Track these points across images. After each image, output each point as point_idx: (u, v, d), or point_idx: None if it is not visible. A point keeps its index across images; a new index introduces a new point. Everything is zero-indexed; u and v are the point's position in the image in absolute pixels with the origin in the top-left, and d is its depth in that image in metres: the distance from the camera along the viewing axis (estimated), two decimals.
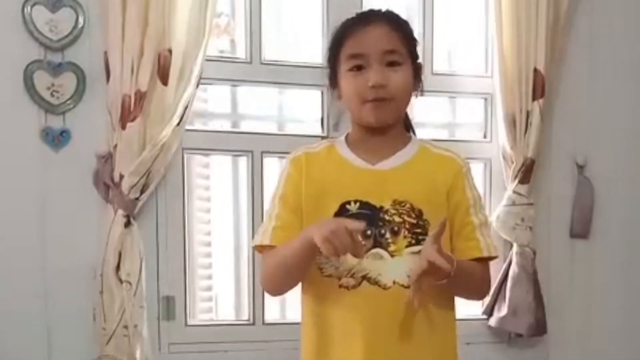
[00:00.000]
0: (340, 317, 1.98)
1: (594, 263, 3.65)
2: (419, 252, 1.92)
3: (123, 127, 2.95)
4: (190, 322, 3.29)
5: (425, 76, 3.34)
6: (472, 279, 2.03)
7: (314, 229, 1.84)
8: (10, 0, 2.95)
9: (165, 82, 2.98)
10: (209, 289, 3.74)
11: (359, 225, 1.84)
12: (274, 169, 3.42)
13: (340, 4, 3.32)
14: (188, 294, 3.26)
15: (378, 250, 1.97)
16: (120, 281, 2.99)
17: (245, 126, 3.43)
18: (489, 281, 2.11)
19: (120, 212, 2.98)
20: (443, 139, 3.58)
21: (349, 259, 1.94)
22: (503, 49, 3.38)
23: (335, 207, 1.98)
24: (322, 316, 2.02)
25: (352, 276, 1.97)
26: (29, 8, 2.95)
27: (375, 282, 1.96)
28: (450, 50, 3.60)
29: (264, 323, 3.34)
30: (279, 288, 2.09)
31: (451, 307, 2.09)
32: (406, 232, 1.97)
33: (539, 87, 3.39)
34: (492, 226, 3.44)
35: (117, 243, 2.98)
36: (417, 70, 2.09)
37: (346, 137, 2.12)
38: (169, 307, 3.21)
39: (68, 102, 3.01)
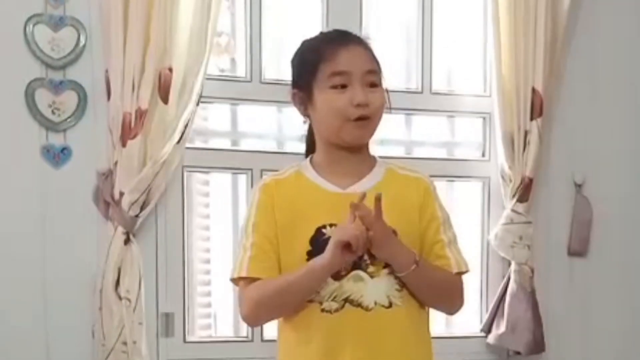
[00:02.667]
0: (323, 341, 1.96)
1: (592, 281, 3.65)
2: (391, 273, 1.96)
3: (123, 145, 2.97)
4: (189, 338, 3.30)
5: (424, 95, 3.48)
6: (443, 282, 2.04)
7: (331, 241, 1.88)
8: (12, 18, 2.99)
9: (165, 100, 3.01)
10: (208, 305, 3.74)
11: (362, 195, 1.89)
12: None
13: (339, 24, 3.33)
14: (187, 311, 3.27)
15: (358, 272, 1.96)
16: (120, 298, 3.00)
17: (245, 144, 3.45)
18: (462, 294, 2.10)
19: (120, 229, 3.00)
20: (442, 157, 3.60)
21: (330, 282, 1.95)
22: (501, 69, 3.40)
23: (310, 232, 1.97)
24: (304, 342, 2.00)
25: (333, 299, 1.96)
26: (31, 27, 2.98)
27: (358, 304, 1.96)
28: (449, 69, 3.62)
29: (262, 340, 3.34)
30: (265, 318, 2.10)
31: (426, 321, 2.10)
32: None
33: (537, 107, 3.41)
34: (491, 244, 3.47)
35: (117, 260, 2.99)
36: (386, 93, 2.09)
37: (311, 160, 2.11)
38: (168, 324, 3.21)
39: (69, 119, 3.04)
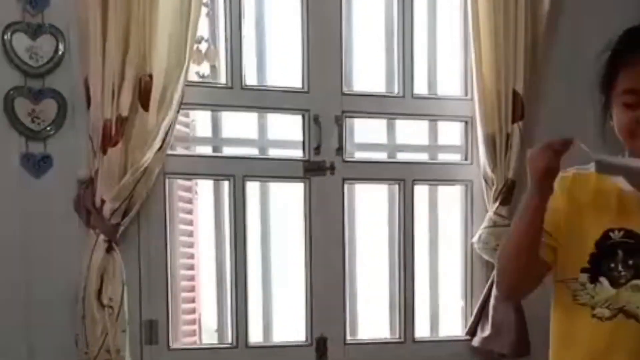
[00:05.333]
0: (589, 349, 1.88)
1: None
2: None
3: (104, 152, 2.96)
4: (174, 345, 3.29)
5: (406, 99, 3.48)
6: None
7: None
8: None
9: (146, 107, 3.00)
10: (192, 312, 3.74)
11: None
12: (255, 193, 3.44)
13: (319, 30, 3.35)
14: (171, 318, 3.26)
15: (638, 281, 1.84)
16: (103, 306, 2.99)
17: (227, 151, 3.44)
18: None
19: (102, 237, 2.99)
20: (424, 161, 3.60)
21: (606, 289, 1.86)
22: (482, 72, 3.41)
23: (597, 234, 1.88)
24: (568, 345, 1.93)
25: (607, 307, 1.85)
26: (8, 35, 2.97)
27: (633, 316, 1.83)
28: (430, 74, 3.62)
29: (247, 346, 3.34)
30: (510, 276, 1.94)
31: None
32: None
33: (519, 109, 3.42)
34: (475, 247, 3.47)
35: (99, 268, 2.98)
36: None
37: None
38: (151, 331, 3.20)
39: (49, 128, 3.02)
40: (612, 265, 1.85)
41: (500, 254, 1.95)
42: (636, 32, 1.91)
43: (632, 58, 1.84)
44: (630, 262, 1.85)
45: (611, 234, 1.87)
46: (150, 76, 3.00)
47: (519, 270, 1.91)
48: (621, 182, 1.88)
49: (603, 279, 1.86)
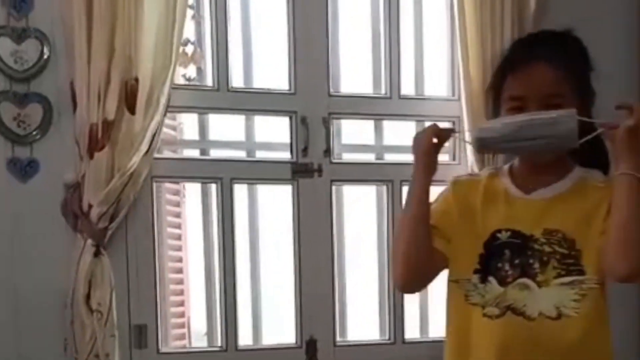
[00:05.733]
0: (481, 346, 1.93)
1: None
2: (569, 283, 1.89)
3: (91, 156, 2.95)
4: (163, 349, 3.27)
5: (393, 100, 3.48)
6: None
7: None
8: None
9: (132, 110, 2.99)
10: (182, 315, 3.73)
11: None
12: (243, 196, 3.43)
13: (306, 31, 3.35)
14: (160, 322, 3.25)
15: (525, 280, 1.91)
16: (91, 311, 2.98)
17: (214, 153, 3.44)
18: None
19: (90, 241, 2.98)
20: (412, 162, 3.59)
21: (494, 288, 1.92)
22: (469, 72, 3.41)
23: (486, 235, 1.95)
24: (463, 344, 1.97)
25: (496, 305, 1.91)
26: None
27: (520, 313, 1.90)
28: (417, 74, 3.62)
29: (236, 349, 3.33)
30: (406, 265, 1.97)
31: (606, 339, 1.96)
32: (556, 263, 1.90)
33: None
34: None
35: (87, 272, 2.97)
36: (585, 102, 1.98)
37: (510, 166, 2.05)
38: (140, 336, 3.19)
39: (35, 132, 3.01)
40: (500, 264, 1.93)
41: (393, 242, 2.04)
42: (525, 42, 2.04)
43: (518, 67, 1.93)
44: (517, 261, 1.92)
45: (498, 235, 1.95)
46: (137, 79, 2.99)
47: (410, 256, 1.96)
48: (508, 185, 1.98)
49: (492, 279, 1.93)
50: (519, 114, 1.89)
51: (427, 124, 3.52)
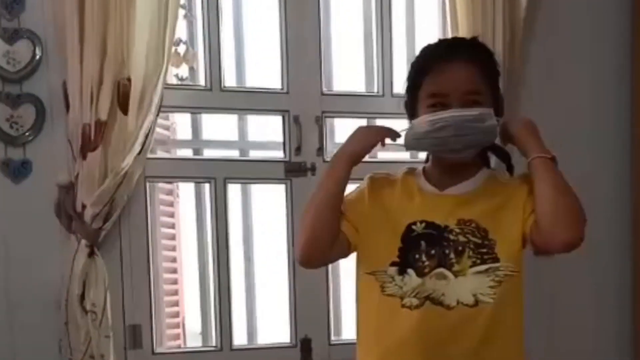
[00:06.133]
0: (401, 337, 1.97)
1: (558, 280, 3.67)
2: (484, 271, 1.95)
3: (84, 157, 2.95)
4: (158, 350, 3.27)
5: (386, 98, 3.48)
6: (570, 189, 2.01)
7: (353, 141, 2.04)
8: None
9: (125, 110, 2.98)
10: (176, 315, 3.73)
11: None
12: (237, 195, 3.43)
13: (298, 30, 3.35)
14: (155, 322, 3.25)
15: (442, 270, 1.96)
16: (85, 311, 2.97)
17: (207, 153, 3.44)
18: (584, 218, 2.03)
19: (84, 242, 2.97)
20: (406, 160, 3.60)
21: (413, 279, 1.96)
22: None
23: (401, 229, 2.00)
24: (382, 337, 2.01)
25: (415, 296, 1.95)
26: None
27: (439, 302, 1.94)
28: None
29: (231, 349, 3.33)
30: (317, 238, 2.00)
31: (519, 323, 2.06)
32: (470, 252, 1.96)
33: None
34: None
35: (81, 273, 2.96)
36: (498, 102, 2.06)
37: (424, 167, 2.12)
38: (135, 336, 3.19)
39: (28, 133, 3.01)
40: (417, 256, 1.97)
41: (303, 214, 2.03)
42: (442, 44, 2.10)
43: (440, 65, 1.98)
44: (433, 252, 1.97)
45: (414, 227, 2.00)
46: (129, 79, 2.98)
47: (316, 228, 1.99)
48: (422, 182, 2.06)
49: (410, 270, 1.97)
50: (441, 111, 1.95)
51: None
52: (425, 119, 1.96)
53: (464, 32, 3.39)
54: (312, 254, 2.03)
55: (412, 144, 2.02)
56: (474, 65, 1.99)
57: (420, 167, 2.13)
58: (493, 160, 2.22)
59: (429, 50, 2.07)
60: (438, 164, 2.06)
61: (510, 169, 2.17)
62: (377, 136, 2.04)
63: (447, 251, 1.96)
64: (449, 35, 3.42)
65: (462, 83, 1.96)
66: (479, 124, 1.95)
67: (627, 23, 3.79)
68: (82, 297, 2.97)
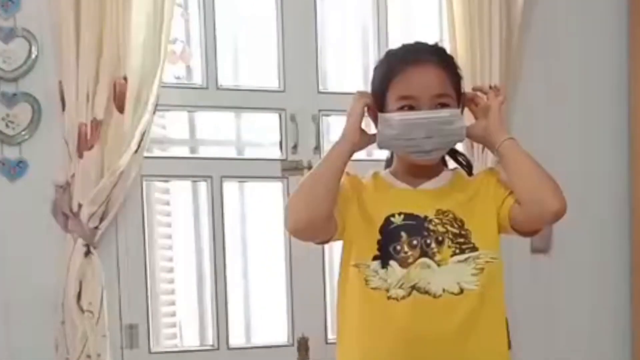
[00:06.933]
0: (390, 328, 1.97)
1: (555, 278, 3.67)
2: (464, 260, 1.96)
3: (80, 156, 2.95)
4: (155, 349, 3.28)
5: None
6: (540, 166, 2.02)
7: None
8: None
9: (121, 109, 2.98)
10: (173, 315, 3.72)
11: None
12: (233, 193, 3.43)
13: (295, 29, 3.35)
14: (151, 321, 3.25)
15: (425, 259, 1.97)
16: (82, 311, 2.97)
17: (203, 151, 3.43)
18: (560, 190, 2.02)
19: (80, 241, 2.97)
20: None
21: (397, 271, 1.96)
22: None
23: (380, 221, 2.00)
24: (369, 331, 2.00)
25: (400, 287, 1.96)
26: None
27: (426, 291, 1.95)
28: None
29: (228, 348, 3.33)
30: (316, 209, 1.98)
31: (500, 310, 2.06)
32: (450, 242, 1.98)
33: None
34: None
35: (78, 273, 2.96)
36: (461, 105, 2.07)
37: (390, 171, 2.12)
38: (132, 335, 3.19)
39: (24, 132, 3.00)
40: (399, 247, 1.97)
41: (301, 185, 2.03)
42: (407, 48, 2.10)
43: (408, 68, 2.00)
44: (414, 242, 1.98)
45: (392, 219, 2.00)
46: (125, 78, 2.98)
47: (316, 198, 1.97)
48: (393, 180, 2.06)
49: (393, 263, 1.97)
50: (411, 113, 1.97)
51: None
52: (396, 118, 1.97)
53: (460, 28, 3.40)
54: (306, 225, 2.01)
55: (384, 144, 2.03)
56: (442, 69, 2.01)
57: (382, 170, 2.13)
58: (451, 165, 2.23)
59: (395, 54, 2.09)
60: (406, 164, 2.06)
61: (470, 174, 2.18)
62: (358, 104, 2.03)
63: (428, 241, 1.97)
64: (447, 35, 3.43)
65: (431, 86, 1.98)
66: (448, 126, 1.97)
67: (624, 25, 3.80)
68: (79, 296, 2.97)
